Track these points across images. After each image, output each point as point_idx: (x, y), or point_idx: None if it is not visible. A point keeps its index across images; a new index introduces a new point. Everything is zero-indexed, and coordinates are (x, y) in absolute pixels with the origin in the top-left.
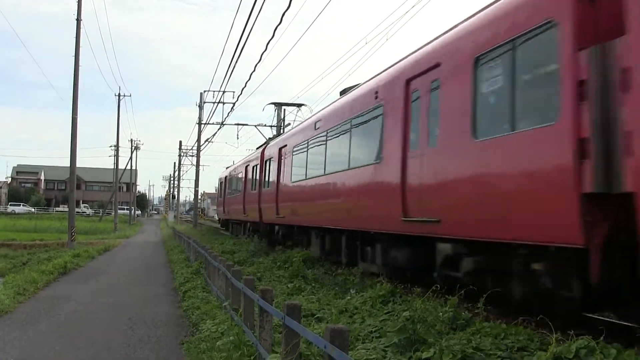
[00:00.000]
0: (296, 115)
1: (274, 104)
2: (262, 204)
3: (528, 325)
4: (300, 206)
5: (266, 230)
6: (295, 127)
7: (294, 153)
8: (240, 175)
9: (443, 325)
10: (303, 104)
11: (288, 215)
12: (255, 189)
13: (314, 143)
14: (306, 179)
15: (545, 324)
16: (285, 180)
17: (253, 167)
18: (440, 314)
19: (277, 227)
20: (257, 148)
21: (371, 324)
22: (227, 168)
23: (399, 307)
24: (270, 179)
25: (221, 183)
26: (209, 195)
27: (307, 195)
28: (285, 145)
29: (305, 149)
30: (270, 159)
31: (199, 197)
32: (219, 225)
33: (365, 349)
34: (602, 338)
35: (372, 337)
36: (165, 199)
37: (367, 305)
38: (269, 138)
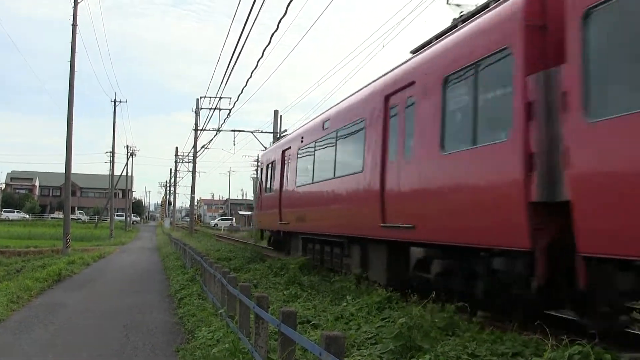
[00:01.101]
0: (460, 14)
1: None
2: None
3: (522, 331)
4: None
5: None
6: None
7: None
8: (353, 131)
9: (439, 332)
10: None
11: None
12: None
13: None
14: None
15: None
16: None
17: (424, 91)
18: (436, 320)
19: None
20: (415, 51)
21: (367, 331)
22: (273, 144)
23: (395, 313)
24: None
25: (267, 168)
26: (205, 201)
27: None
28: None
29: None
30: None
31: (195, 203)
32: (267, 243)
33: (361, 356)
34: (595, 341)
35: (368, 344)
36: (161, 205)
37: (363, 312)
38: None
